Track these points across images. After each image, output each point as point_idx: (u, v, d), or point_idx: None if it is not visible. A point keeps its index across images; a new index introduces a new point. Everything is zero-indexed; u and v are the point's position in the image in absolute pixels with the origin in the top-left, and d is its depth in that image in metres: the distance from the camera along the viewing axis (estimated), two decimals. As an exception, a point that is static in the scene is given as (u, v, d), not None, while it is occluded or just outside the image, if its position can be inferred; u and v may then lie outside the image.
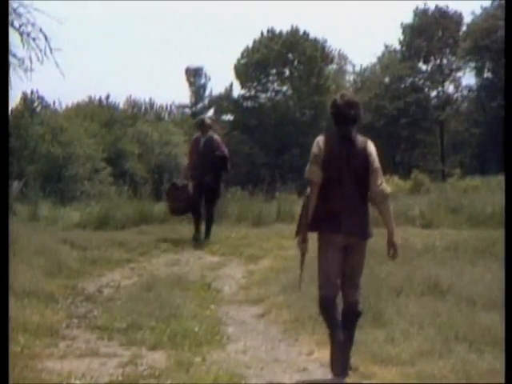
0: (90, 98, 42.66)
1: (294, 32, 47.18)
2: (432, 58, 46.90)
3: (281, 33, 47.32)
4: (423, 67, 47.33)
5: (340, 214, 4.77)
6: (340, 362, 4.71)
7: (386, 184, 4.91)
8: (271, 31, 47.54)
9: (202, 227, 10.99)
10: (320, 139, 4.86)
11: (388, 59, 48.28)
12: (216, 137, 11.19)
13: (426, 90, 47.18)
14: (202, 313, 6.51)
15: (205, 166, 10.79)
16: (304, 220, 4.77)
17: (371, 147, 4.94)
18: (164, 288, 7.35)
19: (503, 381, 4.09)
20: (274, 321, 6.39)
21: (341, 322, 4.79)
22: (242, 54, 47.22)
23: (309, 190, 4.83)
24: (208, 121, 11.42)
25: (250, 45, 47.27)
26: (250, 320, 6.51)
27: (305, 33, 47.22)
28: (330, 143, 4.83)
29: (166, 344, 5.52)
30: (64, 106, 41.82)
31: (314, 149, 4.81)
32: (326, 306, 4.82)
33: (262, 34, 47.38)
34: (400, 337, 5.50)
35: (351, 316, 4.87)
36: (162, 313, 6.28)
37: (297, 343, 5.71)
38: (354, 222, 4.81)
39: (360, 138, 4.95)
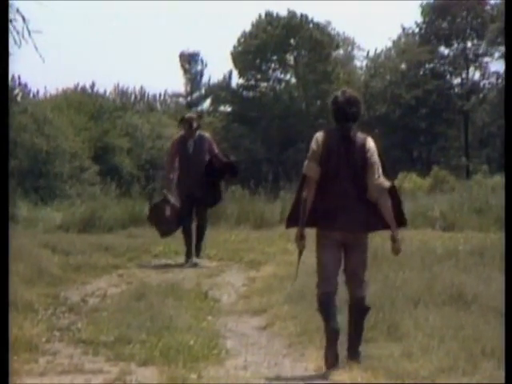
0: (76, 86, 42.61)
1: (293, 15, 47.02)
2: (455, 41, 46.66)
3: (278, 16, 47.06)
4: (445, 51, 47.08)
5: (337, 211, 5.22)
6: (334, 356, 5.15)
7: (384, 178, 5.31)
8: (269, 14, 47.37)
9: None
10: (319, 135, 5.31)
11: (405, 43, 48.06)
12: (208, 136, 10.44)
13: (448, 76, 46.88)
14: (197, 325, 6.50)
15: (196, 176, 10.01)
16: (301, 216, 5.20)
17: (370, 143, 5.34)
18: (156, 297, 7.34)
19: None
20: (277, 333, 6.38)
21: (349, 318, 5.31)
22: (239, 41, 47.11)
23: (302, 184, 5.31)
24: (196, 119, 10.49)
25: (247, 29, 47.17)
26: (252, 332, 6.50)
27: (302, 15, 46.95)
28: (329, 139, 5.27)
29: (157, 359, 5.50)
30: (49, 95, 41.80)
31: (313, 144, 5.27)
32: (324, 303, 5.25)
33: (259, 16, 47.26)
34: (418, 351, 5.47)
35: (360, 312, 5.33)
36: (154, 325, 6.27)
37: (303, 358, 5.68)
38: (351, 218, 5.23)
39: (360, 136, 5.35)
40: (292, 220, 5.39)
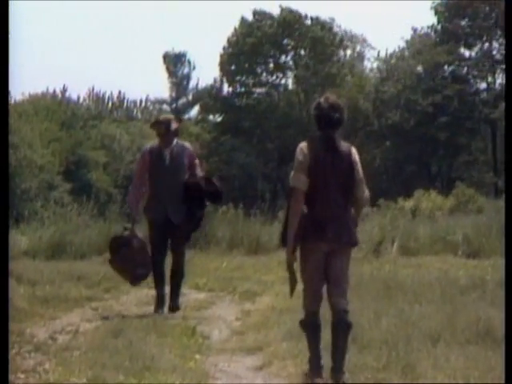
0: (45, 90, 42.71)
1: (288, 12, 46.88)
2: (478, 41, 46.74)
3: (268, 14, 46.91)
4: (466, 53, 47.27)
5: (326, 222, 5.80)
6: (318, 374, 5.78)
7: (367, 194, 6.06)
8: (259, 13, 47.07)
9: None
10: (303, 145, 5.87)
11: (420, 42, 48.25)
12: (189, 147, 9.17)
13: (472, 80, 46.91)
14: (184, 365, 6.48)
15: (172, 196, 8.82)
16: (290, 230, 5.76)
17: (356, 155, 5.99)
18: (135, 333, 7.33)
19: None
20: (275, 374, 6.36)
21: (332, 336, 5.81)
22: (229, 42, 46.98)
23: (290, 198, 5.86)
24: (174, 123, 9.14)
25: (236, 30, 46.91)
26: (246, 374, 6.48)
27: (297, 12, 46.70)
28: (314, 149, 5.85)
29: (137, 405, 5.50)
30: (13, 101, 41.82)
31: (299, 156, 5.83)
32: (311, 325, 5.86)
33: (254, 14, 47.17)
34: (437, 396, 5.48)
35: (343, 327, 5.82)
36: (133, 365, 6.25)
37: (304, 404, 5.69)
38: (341, 229, 5.83)
39: (344, 144, 5.97)
40: (284, 238, 5.90)
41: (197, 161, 9.10)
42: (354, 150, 5.97)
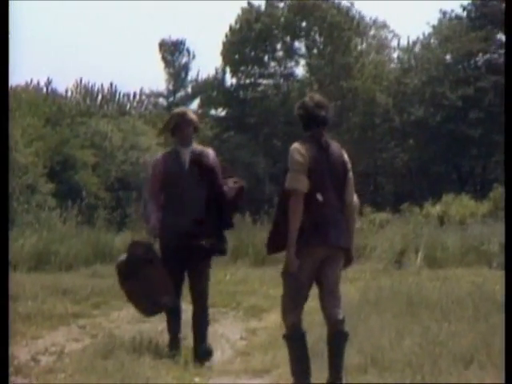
0: (28, 83, 42.81)
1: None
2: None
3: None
4: (503, 39, 47.14)
5: (327, 225, 6.19)
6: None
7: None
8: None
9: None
10: (299, 146, 6.30)
11: (449, 28, 48.11)
12: (210, 150, 8.12)
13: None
14: (181, 389, 6.48)
15: (194, 211, 7.75)
16: (291, 235, 6.05)
17: (346, 155, 6.48)
18: (128, 354, 7.34)
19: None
20: (284, 400, 6.38)
21: (329, 349, 6.12)
22: (232, 29, 47.00)
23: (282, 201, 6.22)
24: (191, 114, 8.20)
25: (239, 16, 46.93)
26: (251, 399, 6.51)
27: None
28: (310, 150, 6.27)
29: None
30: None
31: (297, 156, 6.22)
32: (296, 336, 6.16)
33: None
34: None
35: (339, 339, 6.15)
36: (125, 390, 6.26)
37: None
38: (339, 233, 6.25)
39: (334, 143, 6.45)
40: (273, 244, 6.34)
41: (219, 171, 8.00)
42: (343, 149, 6.48)
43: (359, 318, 8.41)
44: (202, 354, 7.70)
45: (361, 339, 7.32)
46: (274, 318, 9.52)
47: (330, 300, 6.22)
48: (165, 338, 8.33)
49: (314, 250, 6.18)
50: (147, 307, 7.92)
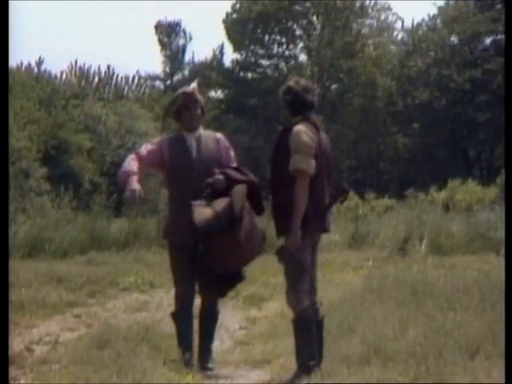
0: (19, 64, 42.73)
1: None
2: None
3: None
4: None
5: (325, 210, 6.45)
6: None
7: None
8: None
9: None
10: (304, 128, 6.35)
11: (455, 9, 47.97)
12: (220, 136, 7.51)
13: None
14: (179, 380, 6.48)
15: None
16: (297, 217, 6.19)
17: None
18: (124, 344, 7.31)
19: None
20: (285, 391, 6.38)
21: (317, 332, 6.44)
22: (233, 7, 46.97)
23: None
24: (201, 97, 7.39)
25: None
26: (252, 391, 6.50)
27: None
28: (314, 133, 6.39)
29: (126, 427, 5.49)
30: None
31: (306, 139, 6.30)
32: (310, 319, 6.38)
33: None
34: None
35: (320, 323, 6.52)
36: (122, 380, 6.25)
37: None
38: (329, 217, 6.56)
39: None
40: (282, 227, 6.42)
41: (233, 156, 7.41)
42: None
43: (362, 307, 8.42)
44: (204, 365, 7.13)
45: (364, 329, 7.31)
46: (274, 307, 9.54)
47: (313, 287, 6.53)
48: (162, 327, 8.35)
49: (313, 234, 6.43)
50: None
